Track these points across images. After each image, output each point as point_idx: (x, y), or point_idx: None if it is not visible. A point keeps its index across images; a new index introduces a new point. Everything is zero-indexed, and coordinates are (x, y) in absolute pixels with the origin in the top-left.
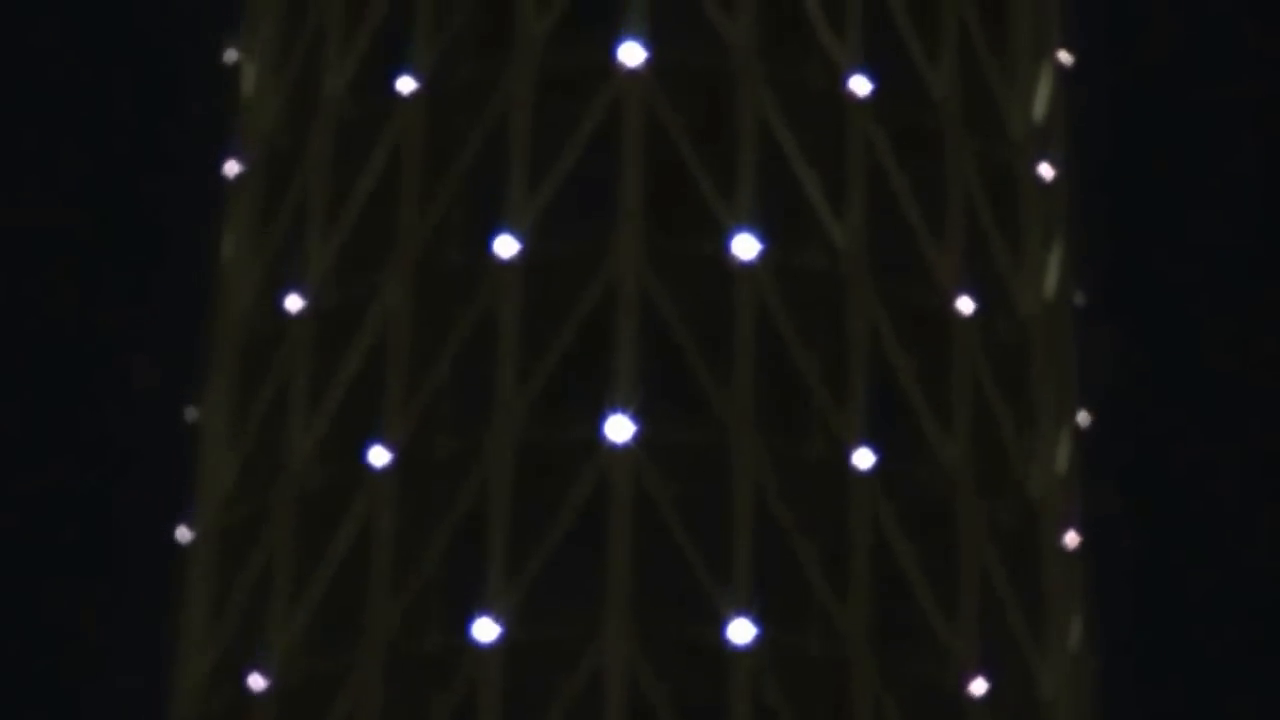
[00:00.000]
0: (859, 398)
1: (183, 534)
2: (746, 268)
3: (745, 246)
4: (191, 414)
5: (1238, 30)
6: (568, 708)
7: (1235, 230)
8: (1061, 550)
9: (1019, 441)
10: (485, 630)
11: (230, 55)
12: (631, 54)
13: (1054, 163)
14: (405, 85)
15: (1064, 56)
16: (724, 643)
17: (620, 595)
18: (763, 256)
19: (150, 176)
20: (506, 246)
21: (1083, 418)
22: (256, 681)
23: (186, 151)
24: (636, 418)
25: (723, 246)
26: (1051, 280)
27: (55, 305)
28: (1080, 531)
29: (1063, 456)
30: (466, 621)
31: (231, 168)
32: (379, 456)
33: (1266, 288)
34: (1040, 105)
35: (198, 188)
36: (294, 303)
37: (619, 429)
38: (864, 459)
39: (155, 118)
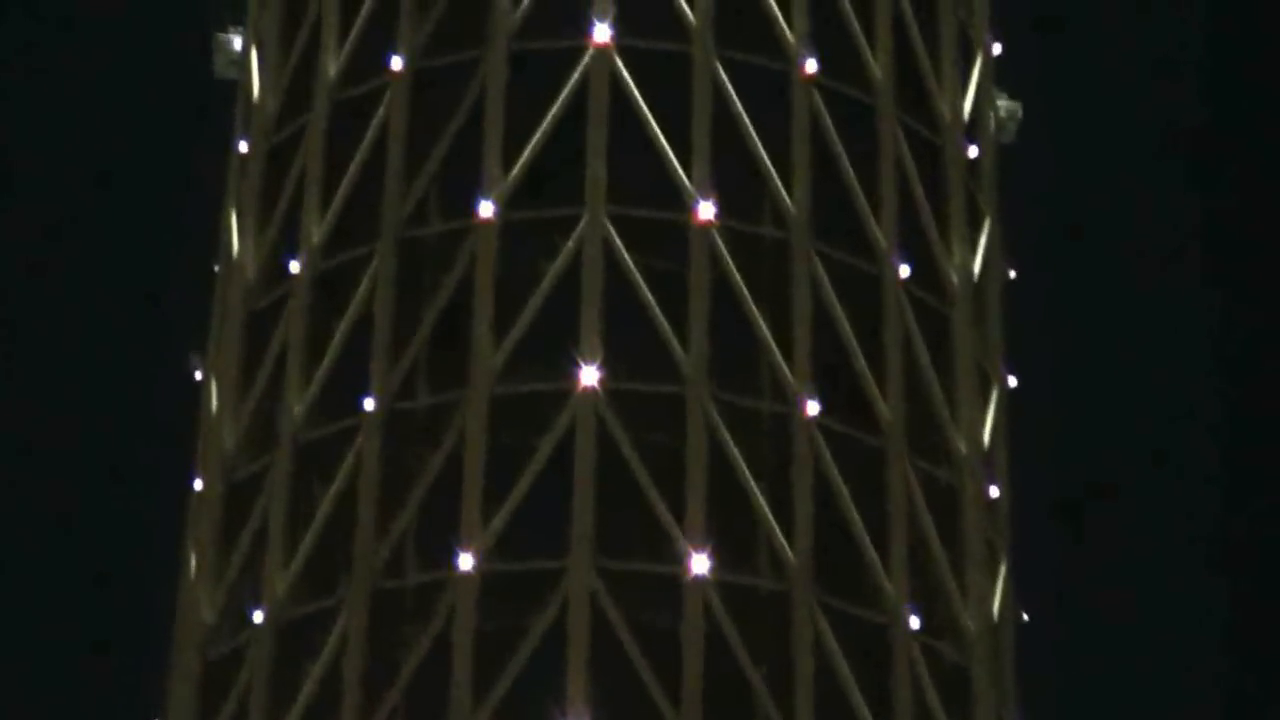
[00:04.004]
0: (807, 713)
1: None
2: (697, 585)
3: (696, 564)
4: None
5: (1173, 341)
6: None
7: (1170, 546)
8: None
9: None
10: None
11: (196, 372)
12: (587, 375)
13: (998, 483)
14: (366, 407)
15: (1011, 379)
16: None
17: None
18: (712, 573)
19: (116, 492)
20: (463, 566)
21: None
22: None
23: (153, 466)
24: None
25: (674, 565)
26: (996, 598)
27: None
28: None
29: None
30: None
31: (195, 485)
32: None
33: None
34: (985, 426)
35: (164, 504)
36: (255, 619)
37: None
38: None
39: (123, 432)
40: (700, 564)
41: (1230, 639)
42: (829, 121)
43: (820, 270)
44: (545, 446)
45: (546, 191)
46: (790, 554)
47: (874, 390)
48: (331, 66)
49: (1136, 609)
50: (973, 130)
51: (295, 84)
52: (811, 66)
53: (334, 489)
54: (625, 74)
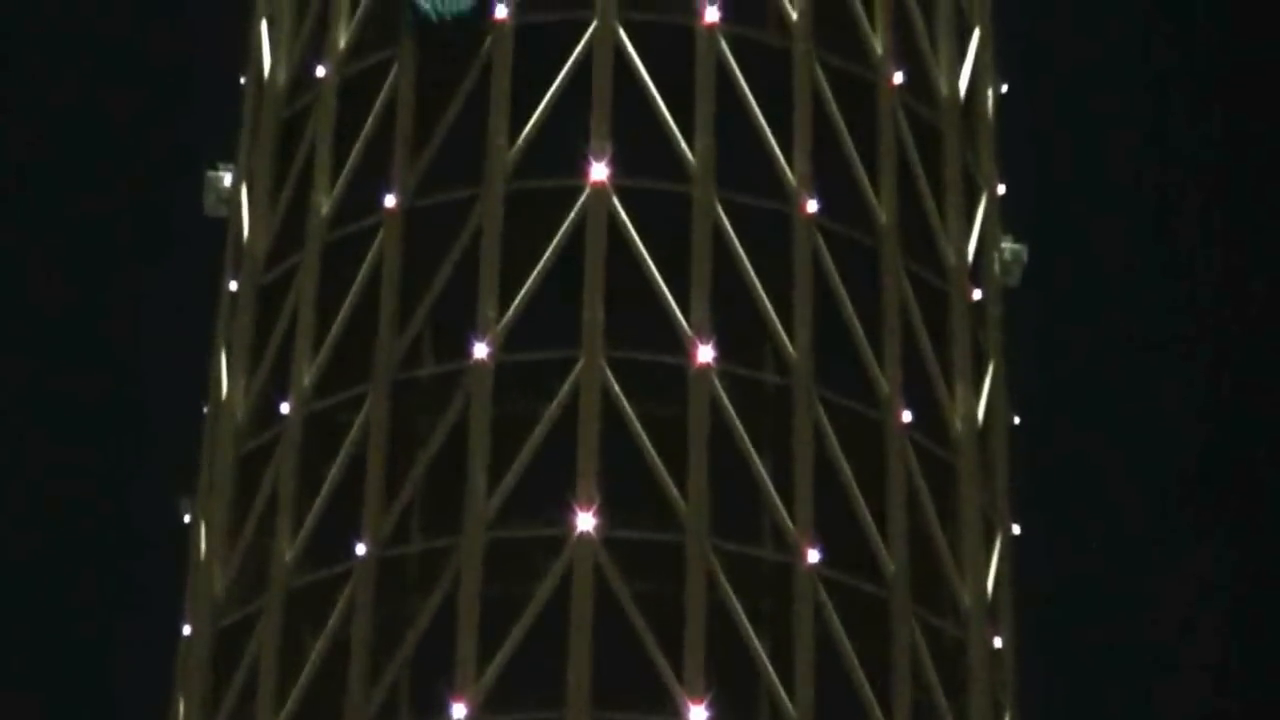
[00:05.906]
0: None
1: None
2: None
3: (695, 717)
4: None
5: (1180, 484)
6: None
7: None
8: None
9: None
10: None
11: (185, 515)
12: (583, 522)
13: (1002, 633)
14: (358, 552)
15: (1015, 528)
16: None
17: None
18: None
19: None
20: (457, 718)
21: None
22: None
23: (142, 607)
24: None
25: (673, 717)
26: None
27: None
28: None
29: None
30: None
31: (184, 631)
32: None
33: None
34: (989, 575)
35: (152, 648)
36: None
37: None
38: None
39: (110, 576)
40: (699, 716)
41: None
42: (831, 264)
43: (822, 416)
44: (541, 594)
45: (542, 333)
46: (791, 706)
47: (877, 539)
48: (324, 204)
49: None
50: (977, 273)
51: (287, 222)
52: (813, 207)
53: (325, 636)
54: (623, 214)
